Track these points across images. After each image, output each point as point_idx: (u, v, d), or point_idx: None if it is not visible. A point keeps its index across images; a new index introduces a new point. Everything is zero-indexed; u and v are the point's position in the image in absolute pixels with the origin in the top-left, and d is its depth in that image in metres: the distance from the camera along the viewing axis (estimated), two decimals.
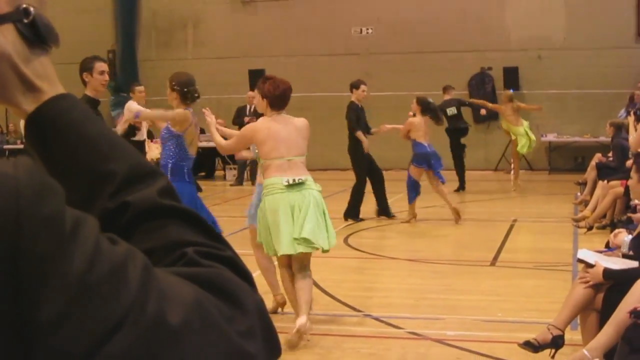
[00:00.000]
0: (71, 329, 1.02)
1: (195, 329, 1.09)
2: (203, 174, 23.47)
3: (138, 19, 25.94)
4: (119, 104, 24.82)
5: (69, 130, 1.23)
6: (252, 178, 21.37)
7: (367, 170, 14.82)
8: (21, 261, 1.02)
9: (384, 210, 15.20)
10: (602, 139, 20.50)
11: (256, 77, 22.54)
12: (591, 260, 6.47)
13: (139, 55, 26.12)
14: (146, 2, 25.86)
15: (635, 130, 11.72)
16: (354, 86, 14.97)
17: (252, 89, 22.16)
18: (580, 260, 6.64)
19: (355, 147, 14.77)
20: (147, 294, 1.07)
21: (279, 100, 8.00)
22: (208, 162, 23.52)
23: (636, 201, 9.57)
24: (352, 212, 14.93)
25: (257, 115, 21.24)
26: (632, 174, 6.56)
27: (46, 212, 1.04)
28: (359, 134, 14.61)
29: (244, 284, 1.21)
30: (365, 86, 14.96)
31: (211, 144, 22.38)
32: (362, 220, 14.77)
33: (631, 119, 12.33)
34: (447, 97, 19.66)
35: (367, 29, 24.82)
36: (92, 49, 25.03)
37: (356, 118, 14.71)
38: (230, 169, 22.83)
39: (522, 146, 19.15)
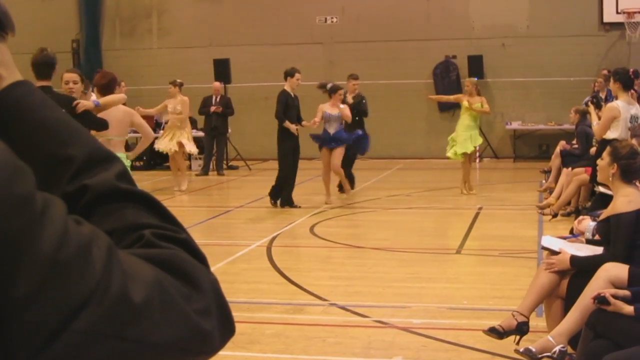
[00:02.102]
0: (43, 305, 1.06)
1: (156, 306, 1.14)
2: (169, 164, 23.32)
3: (102, 8, 25.86)
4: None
5: (28, 116, 1.26)
6: (218, 168, 21.29)
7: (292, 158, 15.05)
8: None
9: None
10: (567, 126, 20.63)
11: (221, 67, 22.60)
12: (555, 247, 6.51)
13: (103, 45, 26.03)
14: None
15: (599, 117, 11.81)
16: (289, 74, 15.11)
17: (217, 79, 22.12)
18: (545, 248, 6.67)
19: (282, 137, 15.02)
20: (111, 273, 1.11)
21: (105, 87, 10.08)
22: None
23: (600, 188, 9.66)
24: (287, 199, 15.11)
25: (223, 104, 21.21)
26: (605, 155, 6.58)
27: (19, 192, 1.08)
28: (287, 124, 14.89)
29: (199, 265, 1.26)
30: (300, 75, 15.08)
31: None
32: (298, 207, 14.87)
33: (592, 107, 12.43)
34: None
35: (332, 18, 24.80)
36: (57, 38, 25.09)
37: (284, 108, 14.80)
38: (196, 159, 22.73)
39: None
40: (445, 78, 24.21)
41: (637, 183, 6.57)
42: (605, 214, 6.50)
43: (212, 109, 21.00)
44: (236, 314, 4.92)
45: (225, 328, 1.25)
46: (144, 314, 1.13)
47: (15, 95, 1.26)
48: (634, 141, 7.71)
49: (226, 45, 24.60)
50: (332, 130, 15.31)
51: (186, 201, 16.93)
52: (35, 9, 25.82)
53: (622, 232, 6.16)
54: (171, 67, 24.90)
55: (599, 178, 7.09)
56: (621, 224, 6.18)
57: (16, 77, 1.28)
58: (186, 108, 17.94)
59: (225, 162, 22.52)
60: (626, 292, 5.47)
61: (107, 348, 1.11)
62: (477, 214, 14.03)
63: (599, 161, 6.77)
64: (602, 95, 17.86)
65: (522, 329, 6.50)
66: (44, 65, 9.38)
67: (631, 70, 11.76)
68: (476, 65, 23.40)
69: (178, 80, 18.29)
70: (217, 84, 21.76)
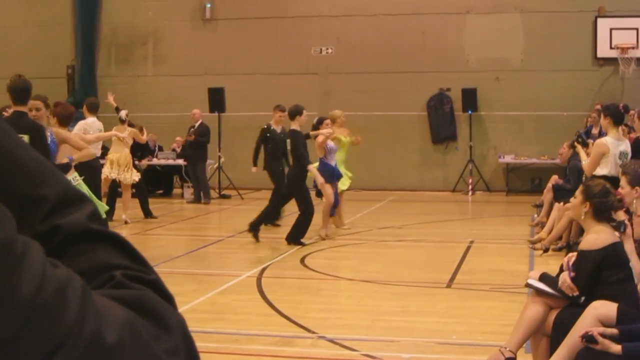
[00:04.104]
0: (21, 347, 1.06)
1: (128, 347, 1.14)
2: (161, 191, 23.36)
3: (98, 34, 25.92)
4: (78, 119, 24.79)
5: (3, 156, 1.26)
6: (204, 197, 21.14)
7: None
8: None
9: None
10: (559, 160, 20.63)
11: (216, 95, 22.63)
12: (539, 286, 6.55)
13: (98, 71, 26.08)
14: (106, 18, 25.83)
15: (587, 155, 11.83)
16: (298, 112, 14.63)
17: (211, 107, 22.15)
18: (529, 285, 6.73)
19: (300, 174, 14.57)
20: (85, 314, 1.12)
21: (66, 119, 11.68)
22: (166, 180, 23.44)
23: None
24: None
25: (198, 132, 21.05)
26: (578, 194, 6.66)
27: (2, 236, 1.09)
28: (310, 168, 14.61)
29: (168, 306, 1.27)
30: (305, 112, 14.78)
31: (169, 162, 22.41)
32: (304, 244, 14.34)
33: (579, 147, 12.47)
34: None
35: (327, 49, 24.87)
36: (52, 64, 25.14)
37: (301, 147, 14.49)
38: (188, 187, 22.74)
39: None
40: (439, 110, 24.27)
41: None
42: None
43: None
44: (224, 345, 4.95)
45: None
46: (116, 354, 1.13)
47: None
48: (624, 178, 7.72)
49: (221, 74, 24.65)
50: (333, 162, 15.12)
51: (177, 230, 16.90)
52: (32, 35, 25.88)
53: (584, 269, 6.27)
54: (166, 94, 24.96)
55: (572, 215, 7.17)
56: (584, 260, 6.30)
57: None
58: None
59: (217, 190, 22.53)
60: (614, 331, 5.47)
61: None
62: (468, 247, 14.02)
63: (572, 199, 6.86)
64: (595, 130, 17.91)
65: None
66: (22, 91, 9.58)
67: (621, 105, 11.79)
68: (470, 98, 23.47)
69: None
70: (196, 111, 21.69)
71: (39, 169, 1.29)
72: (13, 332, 1.06)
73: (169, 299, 1.29)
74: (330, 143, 15.01)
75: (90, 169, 13.05)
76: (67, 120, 11.75)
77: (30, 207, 1.26)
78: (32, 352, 1.07)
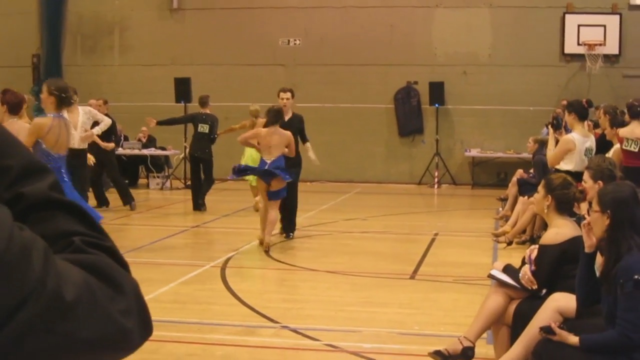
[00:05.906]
0: None
1: (84, 305, 1.28)
2: (127, 181, 23.22)
3: (64, 23, 25.70)
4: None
5: None
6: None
7: None
8: None
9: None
10: (525, 155, 20.73)
11: (182, 85, 22.53)
12: (502, 277, 6.58)
13: (64, 60, 25.87)
14: (72, 7, 25.63)
15: (556, 142, 11.83)
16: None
17: (177, 98, 21.98)
18: (491, 276, 6.76)
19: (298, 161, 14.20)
20: (47, 273, 1.24)
21: (15, 107, 10.82)
22: (132, 170, 23.30)
23: None
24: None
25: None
26: (540, 188, 6.72)
27: None
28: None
29: (122, 270, 1.40)
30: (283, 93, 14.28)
31: (135, 152, 22.26)
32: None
33: (550, 132, 12.46)
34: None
35: (295, 40, 24.83)
36: (17, 52, 24.91)
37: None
38: (154, 177, 22.66)
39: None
40: (406, 103, 24.31)
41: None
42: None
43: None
44: (187, 335, 4.96)
45: (144, 328, 1.39)
46: (73, 311, 1.25)
47: None
48: (586, 173, 7.77)
49: (188, 64, 24.55)
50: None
51: (142, 220, 16.83)
52: None
53: (544, 264, 6.32)
54: (132, 84, 24.83)
55: (536, 210, 7.23)
56: (544, 255, 6.35)
57: None
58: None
59: (183, 181, 22.49)
60: (575, 340, 5.39)
61: (39, 341, 1.24)
62: (432, 240, 14.06)
63: (535, 194, 6.91)
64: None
65: (467, 353, 6.54)
66: None
67: (584, 100, 11.83)
68: (437, 92, 23.53)
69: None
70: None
71: (4, 142, 1.39)
72: None
73: (124, 264, 1.41)
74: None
75: (80, 160, 13.00)
76: (17, 108, 11.19)
77: None
78: (2, 304, 1.19)
